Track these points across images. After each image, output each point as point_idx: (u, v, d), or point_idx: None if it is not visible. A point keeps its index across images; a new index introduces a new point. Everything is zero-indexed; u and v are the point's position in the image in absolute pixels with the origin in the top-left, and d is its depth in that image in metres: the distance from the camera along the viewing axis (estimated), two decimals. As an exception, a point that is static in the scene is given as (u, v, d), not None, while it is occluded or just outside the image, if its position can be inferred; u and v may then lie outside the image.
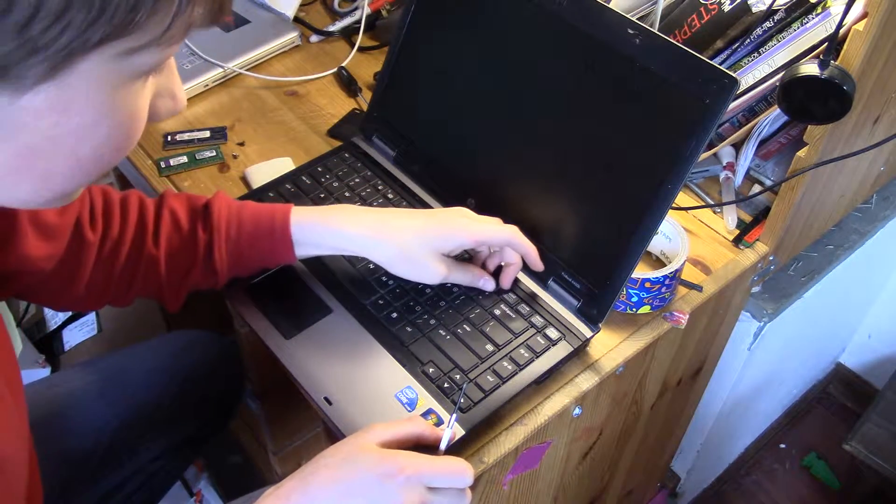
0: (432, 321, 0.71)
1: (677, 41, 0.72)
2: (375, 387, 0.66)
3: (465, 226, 0.71)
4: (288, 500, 0.55)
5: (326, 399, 0.65)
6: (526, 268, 0.75)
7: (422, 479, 0.55)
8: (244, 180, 0.89)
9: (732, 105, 0.82)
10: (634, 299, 0.75)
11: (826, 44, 0.72)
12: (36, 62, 0.35)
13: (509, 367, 0.67)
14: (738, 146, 0.90)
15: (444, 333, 0.70)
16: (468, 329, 0.70)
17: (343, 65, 1.05)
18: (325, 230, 0.70)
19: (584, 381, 0.71)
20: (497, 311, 0.72)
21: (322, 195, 0.83)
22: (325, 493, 0.54)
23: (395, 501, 0.54)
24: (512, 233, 0.72)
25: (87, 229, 0.67)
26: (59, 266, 0.67)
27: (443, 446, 0.60)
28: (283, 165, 0.90)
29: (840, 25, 0.67)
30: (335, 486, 0.55)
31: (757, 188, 0.90)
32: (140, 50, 0.37)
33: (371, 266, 0.76)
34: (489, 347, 0.69)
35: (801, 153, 0.76)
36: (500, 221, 0.73)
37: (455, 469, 0.57)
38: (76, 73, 0.37)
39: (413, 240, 0.69)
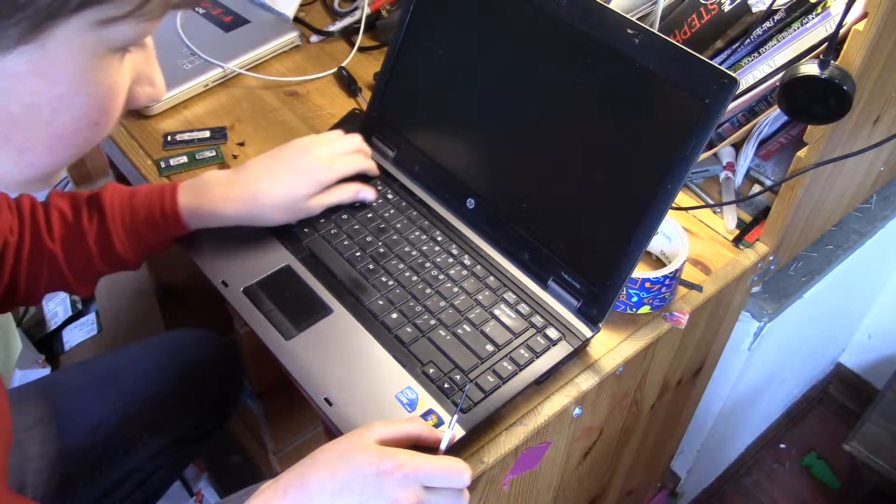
0: (432, 321, 0.71)
1: (677, 41, 0.72)
2: (376, 387, 0.66)
3: (326, 168, 0.79)
4: (285, 493, 0.55)
5: (327, 400, 0.65)
6: (526, 268, 0.75)
7: (419, 477, 0.55)
8: (244, 180, 0.89)
9: (732, 105, 0.82)
10: (634, 299, 0.75)
11: (826, 44, 0.72)
12: (17, 20, 0.36)
13: (509, 367, 0.67)
14: (738, 146, 0.90)
15: (444, 334, 0.70)
16: (468, 329, 0.70)
17: (343, 65, 1.05)
18: (208, 215, 0.76)
19: (584, 381, 0.71)
20: (497, 311, 0.72)
21: (322, 195, 0.83)
22: (321, 488, 0.54)
23: (392, 498, 0.54)
24: (363, 162, 0.82)
25: (7, 233, 0.71)
26: None
27: (443, 447, 0.60)
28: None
29: (840, 25, 0.67)
30: (332, 481, 0.55)
31: (757, 188, 0.90)
32: (119, 20, 0.39)
33: (371, 267, 0.76)
34: (489, 347, 0.69)
35: (801, 153, 0.76)
36: (342, 136, 0.83)
37: (453, 469, 0.57)
38: (56, 37, 0.38)
39: (286, 197, 0.77)
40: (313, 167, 0.78)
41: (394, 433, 0.58)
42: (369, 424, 0.59)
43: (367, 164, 0.83)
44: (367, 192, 0.82)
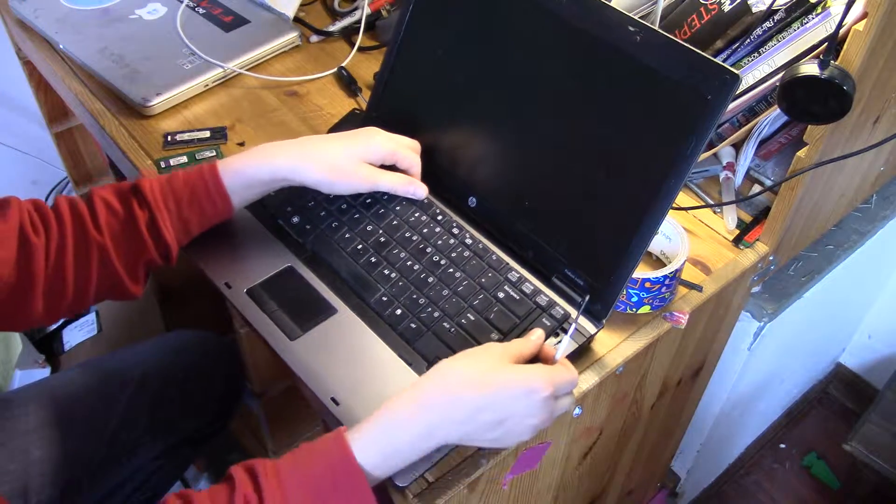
0: (436, 314, 0.71)
1: (678, 41, 0.72)
2: (382, 386, 0.67)
3: (386, 139, 0.78)
4: (431, 407, 0.58)
5: (333, 399, 0.65)
6: (528, 264, 0.75)
7: (556, 392, 0.60)
8: (245, 180, 0.89)
9: (732, 105, 0.82)
10: (634, 299, 0.75)
11: (826, 44, 0.72)
12: None
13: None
14: (738, 146, 0.90)
15: (448, 326, 0.70)
16: (472, 318, 0.70)
17: (343, 65, 1.05)
18: (256, 168, 0.74)
19: (584, 381, 0.71)
20: (500, 294, 0.72)
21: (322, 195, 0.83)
22: (466, 404, 0.58)
23: (539, 416, 0.59)
24: (418, 160, 0.80)
25: (30, 234, 0.68)
26: (14, 278, 0.67)
27: (559, 356, 0.64)
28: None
29: (840, 25, 0.67)
30: (480, 397, 0.58)
31: (757, 188, 0.90)
32: None
33: (373, 260, 0.76)
34: (494, 336, 0.69)
35: (801, 153, 0.77)
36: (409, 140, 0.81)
37: (572, 378, 0.62)
38: None
39: (337, 152, 0.75)
40: (373, 134, 0.78)
41: (522, 352, 0.62)
42: (490, 346, 0.62)
43: (418, 169, 0.81)
44: (419, 188, 0.80)
